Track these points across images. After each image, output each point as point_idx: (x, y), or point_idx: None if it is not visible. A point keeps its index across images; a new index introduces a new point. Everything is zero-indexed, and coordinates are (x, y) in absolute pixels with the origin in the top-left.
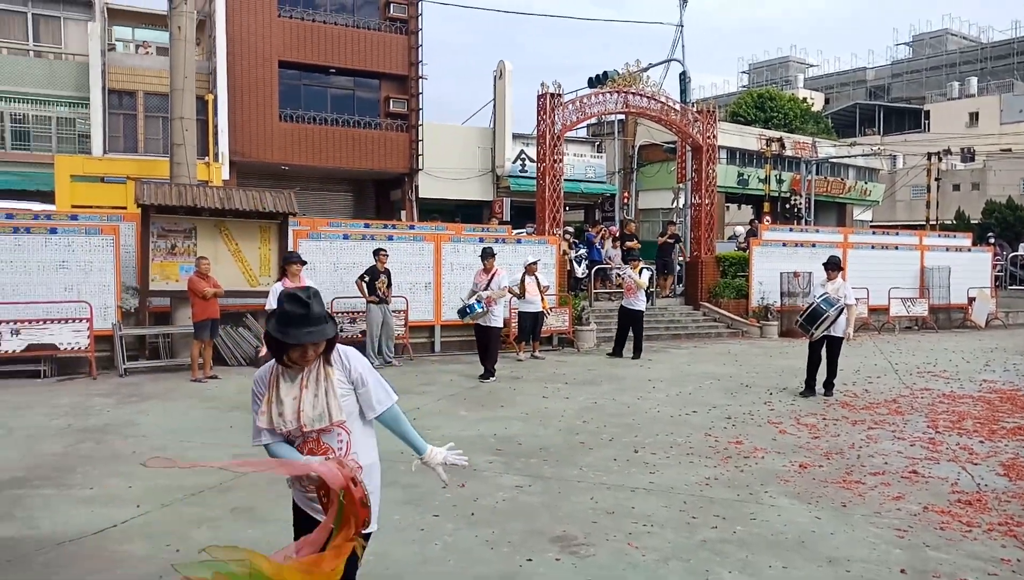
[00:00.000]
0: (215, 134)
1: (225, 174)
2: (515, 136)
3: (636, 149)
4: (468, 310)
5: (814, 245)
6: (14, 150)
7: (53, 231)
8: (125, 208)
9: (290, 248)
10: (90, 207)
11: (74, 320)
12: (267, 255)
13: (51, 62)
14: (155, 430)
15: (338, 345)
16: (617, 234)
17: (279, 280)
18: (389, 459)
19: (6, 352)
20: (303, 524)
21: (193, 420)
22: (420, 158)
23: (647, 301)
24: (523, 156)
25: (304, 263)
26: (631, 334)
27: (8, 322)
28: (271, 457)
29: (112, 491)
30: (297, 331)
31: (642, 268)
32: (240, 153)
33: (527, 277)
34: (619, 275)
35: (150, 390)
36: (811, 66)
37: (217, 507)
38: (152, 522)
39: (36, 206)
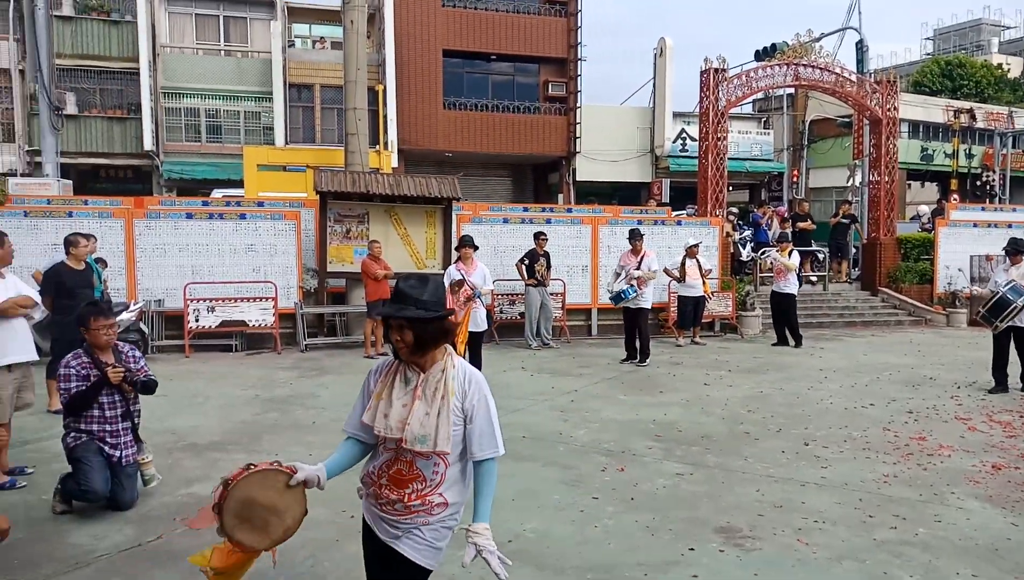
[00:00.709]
0: (385, 123)
1: (394, 162)
2: (675, 115)
3: (807, 124)
4: (623, 295)
5: (1010, 225)
6: (209, 143)
7: (243, 217)
8: (305, 195)
9: (454, 232)
10: (274, 194)
11: (261, 299)
12: (433, 239)
13: (239, 60)
14: (332, 402)
15: (470, 369)
16: (786, 214)
17: (454, 263)
18: (548, 439)
19: (203, 327)
20: (370, 542)
21: None
22: (578, 141)
23: (799, 284)
24: (684, 135)
25: (476, 247)
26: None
27: (205, 300)
28: (337, 450)
29: (295, 457)
30: (387, 306)
31: (791, 250)
32: (407, 141)
33: (688, 260)
34: (767, 257)
35: (328, 365)
36: (1007, 28)
37: None
38: (330, 488)
39: (239, 192)
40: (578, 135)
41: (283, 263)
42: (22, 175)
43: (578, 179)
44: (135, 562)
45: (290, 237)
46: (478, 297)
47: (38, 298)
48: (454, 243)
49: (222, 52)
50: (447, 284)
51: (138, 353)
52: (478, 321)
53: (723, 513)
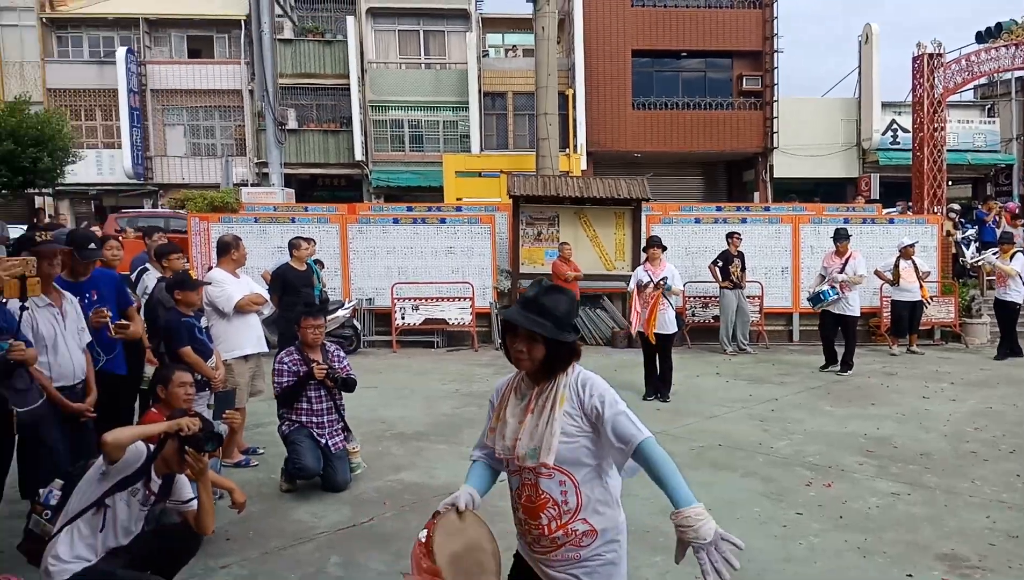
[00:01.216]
0: (574, 127)
1: (583, 164)
2: (884, 105)
3: None
4: (821, 297)
5: None
6: (411, 152)
7: (443, 221)
8: (499, 200)
9: (643, 233)
10: (469, 199)
11: (459, 298)
12: (622, 240)
13: (437, 72)
14: None
15: (583, 371)
16: (1016, 211)
17: (642, 264)
18: (746, 449)
19: (409, 324)
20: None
21: None
22: (775, 136)
23: None
24: (895, 126)
25: (664, 248)
26: None
27: (410, 299)
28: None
29: None
30: (518, 312)
31: (1015, 252)
32: (596, 143)
33: (902, 261)
34: (983, 260)
35: None
36: None
37: None
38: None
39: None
40: (775, 130)
41: (479, 264)
42: (252, 185)
43: (776, 176)
44: (350, 540)
45: (485, 240)
46: (668, 291)
47: (267, 296)
48: (643, 245)
49: (422, 65)
50: (633, 287)
51: (342, 353)
52: (667, 323)
53: (946, 539)
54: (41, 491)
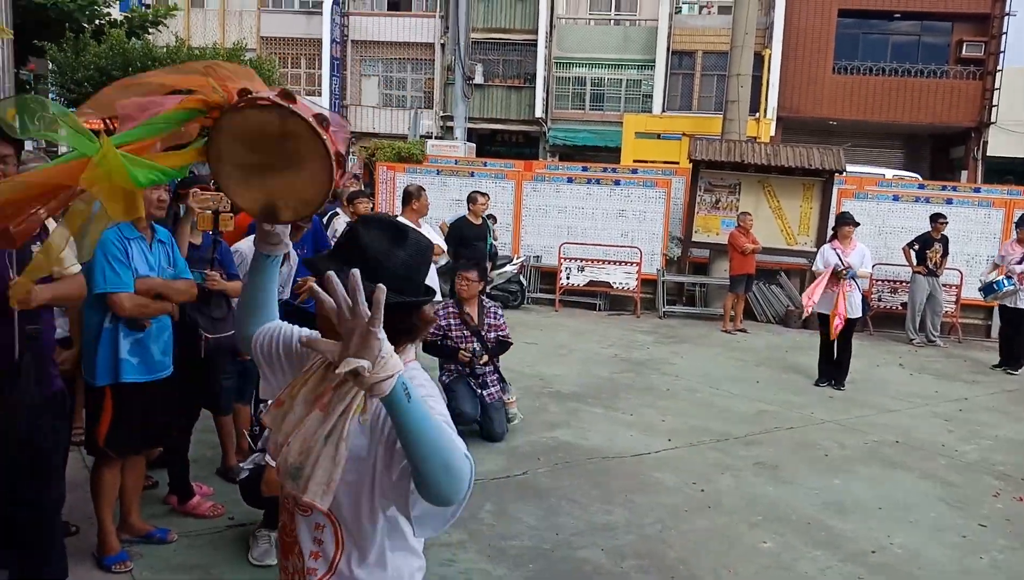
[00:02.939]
0: (767, 90)
1: (771, 130)
2: None
3: None
4: (995, 287)
5: None
6: (591, 110)
7: (617, 183)
8: (677, 163)
9: (833, 208)
10: (647, 162)
11: (626, 263)
12: (807, 214)
13: (626, 29)
14: (687, 371)
15: (415, 373)
16: None
17: (829, 241)
18: (926, 449)
19: (573, 285)
20: None
21: (722, 367)
22: (994, 110)
23: None
24: None
25: (857, 225)
26: None
27: (576, 260)
28: None
29: (648, 421)
30: (324, 259)
31: None
32: (788, 108)
33: None
34: None
35: (684, 334)
36: None
37: (740, 457)
38: (681, 457)
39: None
40: (995, 103)
41: (650, 230)
42: (435, 137)
43: (989, 154)
44: (504, 491)
45: (659, 205)
46: (852, 278)
47: (445, 246)
48: (830, 221)
49: (611, 21)
50: (820, 266)
51: (499, 311)
52: (852, 306)
53: None
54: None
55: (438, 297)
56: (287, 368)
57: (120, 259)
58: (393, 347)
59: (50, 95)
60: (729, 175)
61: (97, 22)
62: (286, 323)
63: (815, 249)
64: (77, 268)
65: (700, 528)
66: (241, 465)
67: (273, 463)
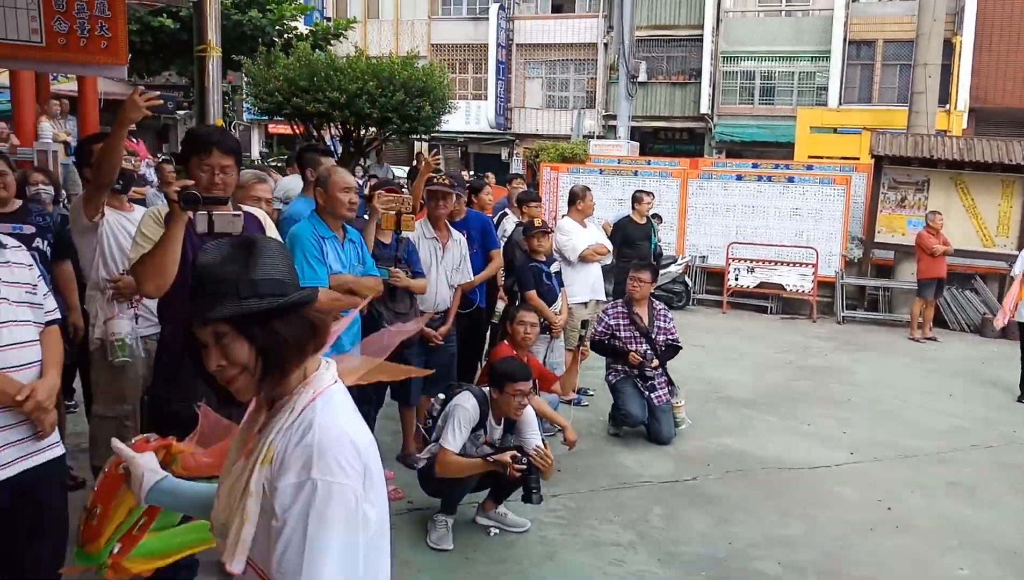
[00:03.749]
0: (957, 79)
1: (963, 122)
2: None
3: None
4: None
5: None
6: (760, 105)
7: (790, 180)
8: (857, 159)
9: None
10: (822, 157)
11: (800, 264)
12: (1007, 213)
13: (798, 19)
14: (869, 381)
15: (321, 414)
16: None
17: None
18: None
19: (741, 286)
20: None
21: (909, 378)
22: None
23: None
24: None
25: None
26: None
27: (745, 261)
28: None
29: (826, 431)
30: (192, 305)
31: None
32: (982, 99)
33: None
34: None
35: (866, 340)
36: None
37: (931, 475)
38: (865, 472)
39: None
40: None
41: (827, 229)
42: (597, 136)
43: None
44: (672, 495)
45: (837, 203)
46: None
47: (610, 246)
48: None
49: (782, 13)
50: (1019, 271)
51: (669, 314)
52: None
53: None
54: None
55: (603, 297)
56: None
57: (316, 257)
58: (280, 372)
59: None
60: (916, 171)
61: (286, 36)
62: None
63: (1016, 252)
64: None
65: (888, 548)
66: (418, 455)
67: (444, 446)
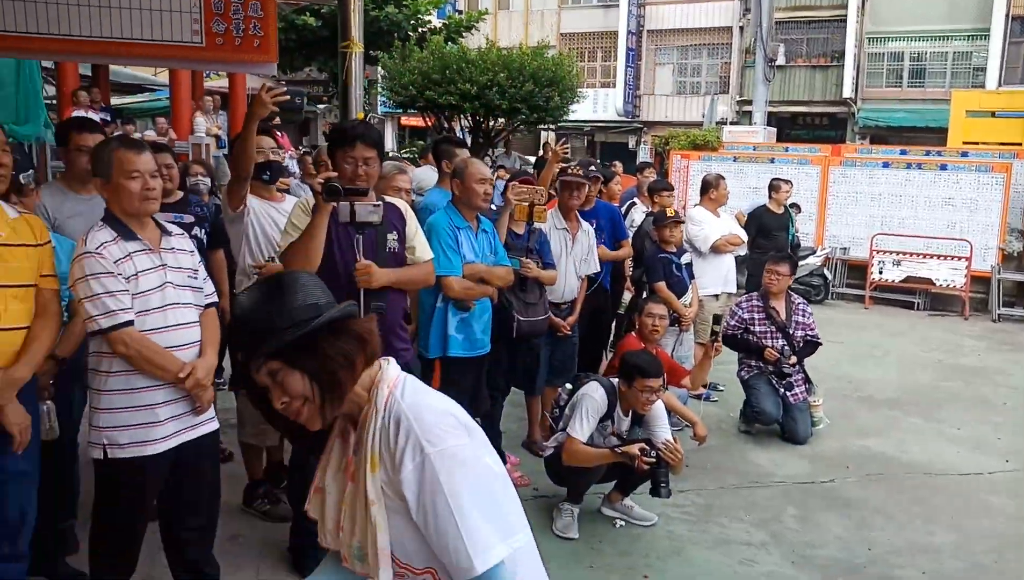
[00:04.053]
0: None
1: None
2: None
3: None
4: None
5: None
6: (909, 88)
7: (943, 168)
8: (1019, 144)
9: None
10: (979, 143)
11: (952, 258)
12: None
13: None
14: None
15: (402, 400)
16: None
17: None
18: None
19: (885, 280)
20: None
21: None
22: None
23: None
24: None
25: None
26: None
27: (891, 253)
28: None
29: (980, 437)
30: (240, 353)
31: None
32: None
33: None
34: None
35: None
36: None
37: None
38: (1022, 482)
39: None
40: None
41: (983, 221)
42: (730, 123)
43: None
44: (807, 496)
45: (995, 192)
46: None
47: (744, 236)
48: None
49: None
50: None
51: (808, 308)
52: None
53: None
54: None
55: (734, 289)
56: None
57: (452, 246)
58: (338, 391)
59: (380, 98)
60: None
61: (420, 30)
62: None
63: None
64: (429, 256)
65: None
66: (544, 443)
67: (572, 434)
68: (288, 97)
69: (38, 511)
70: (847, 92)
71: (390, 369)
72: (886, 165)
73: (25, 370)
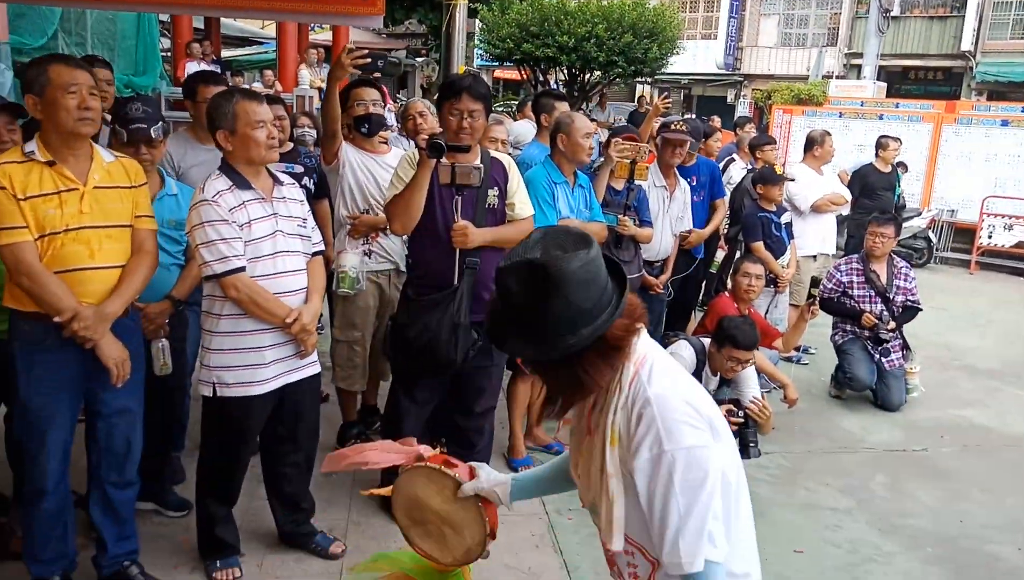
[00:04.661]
0: None
1: None
2: None
3: None
4: None
5: None
6: None
7: None
8: None
9: None
10: None
11: None
12: None
13: None
14: None
15: (648, 383)
16: None
17: None
18: None
19: (995, 245)
20: None
21: None
22: None
23: None
24: None
25: None
26: None
27: (1004, 216)
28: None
29: None
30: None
31: None
32: None
33: None
34: None
35: None
36: None
37: None
38: None
39: None
40: None
41: None
42: (837, 76)
43: None
44: (899, 465)
45: None
46: None
47: (848, 196)
48: None
49: None
50: None
51: (911, 272)
52: None
53: None
54: None
55: (832, 250)
56: None
57: (548, 201)
58: (591, 389)
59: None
60: None
61: None
62: None
63: None
64: (528, 212)
65: None
66: None
67: None
68: (369, 61)
69: (149, 443)
70: (966, 45)
71: (639, 345)
72: (1005, 123)
73: (117, 304)
